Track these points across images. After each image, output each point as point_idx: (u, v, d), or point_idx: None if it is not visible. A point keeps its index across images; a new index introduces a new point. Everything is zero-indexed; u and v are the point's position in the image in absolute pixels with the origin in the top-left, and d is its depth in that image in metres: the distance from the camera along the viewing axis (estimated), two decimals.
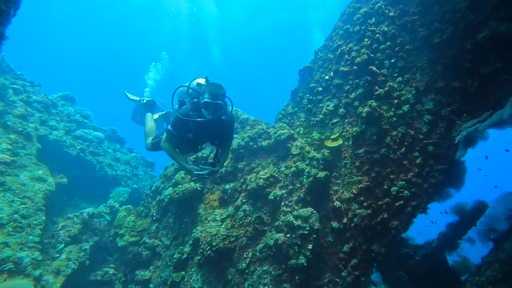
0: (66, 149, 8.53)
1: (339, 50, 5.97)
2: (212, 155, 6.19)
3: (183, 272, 6.23)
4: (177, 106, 4.04)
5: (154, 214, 7.42)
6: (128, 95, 6.53)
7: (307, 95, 6.37)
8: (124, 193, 9.03)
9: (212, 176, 4.17)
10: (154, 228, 7.28)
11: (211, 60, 36.64)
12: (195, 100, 3.83)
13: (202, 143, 4.31)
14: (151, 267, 6.93)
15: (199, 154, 6.79)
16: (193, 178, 3.88)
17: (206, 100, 3.52)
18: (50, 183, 7.41)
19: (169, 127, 3.96)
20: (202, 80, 4.13)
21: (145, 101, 6.05)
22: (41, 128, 8.29)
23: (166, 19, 28.48)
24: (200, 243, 5.88)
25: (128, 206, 8.05)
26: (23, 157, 7.46)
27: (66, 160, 8.58)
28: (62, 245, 6.94)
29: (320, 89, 6.18)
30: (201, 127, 3.82)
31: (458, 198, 5.57)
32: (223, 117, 3.78)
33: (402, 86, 5.26)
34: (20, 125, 7.83)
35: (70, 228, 7.21)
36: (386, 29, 5.49)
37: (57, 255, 6.73)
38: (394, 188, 5.09)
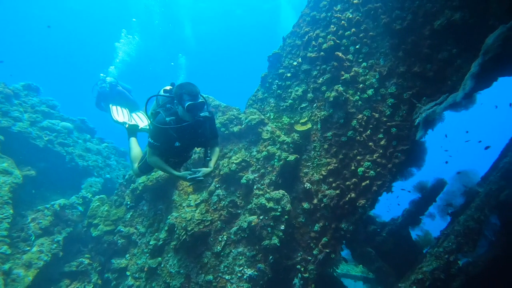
0: (33, 141, 8.26)
1: (306, 37, 6.12)
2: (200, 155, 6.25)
3: (159, 258, 6.33)
4: (151, 117, 3.91)
5: (129, 202, 7.41)
6: (114, 115, 6.33)
7: (277, 81, 6.51)
8: (97, 184, 8.90)
9: (207, 177, 3.90)
10: (129, 216, 7.29)
11: (183, 43, 36.02)
12: (168, 105, 3.78)
13: (190, 149, 4.21)
14: (127, 255, 6.97)
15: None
16: (189, 184, 3.78)
17: (189, 103, 3.44)
18: (17, 176, 7.19)
19: (149, 139, 3.81)
20: (168, 87, 4.10)
21: (127, 126, 5.79)
22: (2, 120, 7.96)
23: None
24: (176, 228, 5.98)
25: (101, 196, 7.98)
26: None
27: (33, 152, 8.32)
28: (33, 237, 6.82)
29: (289, 74, 6.33)
30: (184, 131, 3.73)
31: (419, 177, 5.97)
32: (204, 114, 3.62)
33: (367, 71, 5.50)
34: None
35: (41, 221, 7.07)
36: (351, 16, 5.67)
37: (28, 248, 6.61)
38: (360, 169, 5.37)
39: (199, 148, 5.81)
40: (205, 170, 3.81)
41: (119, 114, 6.35)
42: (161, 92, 4.09)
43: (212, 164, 4.00)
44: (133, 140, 5.46)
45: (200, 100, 3.51)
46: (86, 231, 7.59)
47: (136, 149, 5.28)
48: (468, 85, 4.46)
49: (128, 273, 6.74)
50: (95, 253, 7.33)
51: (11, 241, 6.49)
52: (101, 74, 9.30)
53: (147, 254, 6.54)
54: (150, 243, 6.51)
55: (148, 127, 5.57)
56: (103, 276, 7.00)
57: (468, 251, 5.22)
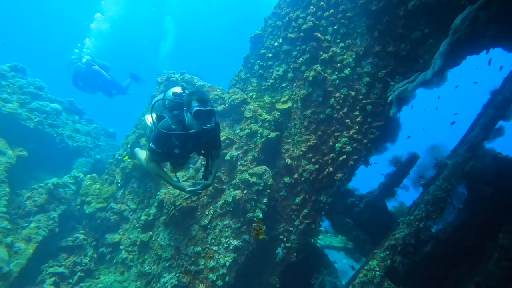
0: (23, 122, 8.34)
1: (287, 18, 6.22)
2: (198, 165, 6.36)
3: (150, 232, 6.66)
4: (155, 120, 3.67)
5: (119, 180, 7.66)
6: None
7: (258, 61, 6.65)
8: (87, 164, 9.09)
9: (205, 189, 3.91)
10: (119, 194, 7.56)
11: (162, 24, 35.58)
12: (175, 112, 3.56)
13: (188, 156, 4.09)
14: (120, 230, 7.29)
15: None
16: (186, 196, 3.77)
17: (197, 108, 3.26)
18: (10, 156, 7.36)
19: (150, 144, 3.60)
20: (178, 89, 3.92)
21: (129, 146, 5.90)
22: None
23: None
24: (165, 204, 6.28)
25: (92, 175, 8.18)
26: None
27: (24, 133, 8.41)
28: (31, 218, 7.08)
29: (270, 55, 6.48)
30: (187, 140, 3.54)
31: (393, 151, 6.32)
32: (211, 126, 3.42)
33: (344, 51, 5.69)
34: None
35: (36, 199, 7.28)
36: None
37: (26, 224, 6.88)
38: (338, 145, 5.66)
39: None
40: (204, 183, 3.68)
41: None
42: (170, 93, 3.91)
43: (212, 178, 3.85)
44: (137, 150, 5.50)
45: (209, 108, 3.32)
46: (79, 208, 7.82)
47: (141, 154, 5.30)
48: (437, 64, 4.70)
49: (121, 247, 7.08)
50: (89, 229, 7.61)
51: (10, 217, 6.74)
52: (75, 50, 9.22)
53: (139, 229, 6.86)
54: (141, 218, 6.82)
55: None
56: (98, 250, 7.32)
57: (436, 218, 5.64)
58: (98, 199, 7.70)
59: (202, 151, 3.89)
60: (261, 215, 5.64)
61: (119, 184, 7.66)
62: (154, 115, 3.79)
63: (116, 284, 6.68)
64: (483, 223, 5.35)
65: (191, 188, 3.62)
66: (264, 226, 4.90)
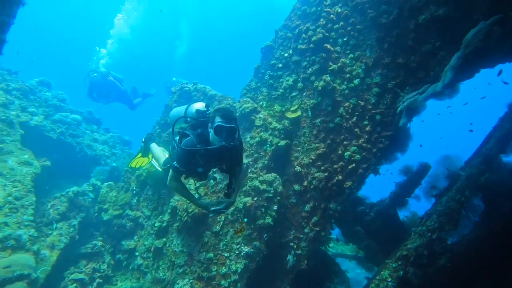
0: (47, 133, 8.75)
1: (297, 30, 6.40)
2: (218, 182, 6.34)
3: (164, 239, 6.80)
4: (177, 138, 3.59)
5: (134, 188, 7.88)
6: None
7: (269, 71, 6.83)
8: (104, 172, 9.38)
9: (228, 209, 3.63)
10: (135, 201, 7.77)
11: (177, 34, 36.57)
12: (199, 130, 3.48)
13: (209, 171, 3.92)
14: (135, 237, 7.47)
15: None
16: (210, 215, 3.69)
17: (218, 123, 3.14)
18: (36, 166, 7.72)
19: (174, 163, 3.46)
20: (200, 105, 3.86)
21: (143, 140, 5.85)
22: (22, 115, 8.49)
23: None
24: (178, 211, 6.42)
25: (109, 182, 8.44)
26: (9, 144, 7.73)
27: (48, 143, 8.81)
28: (55, 225, 7.38)
29: (280, 65, 6.65)
30: (210, 157, 3.43)
31: (404, 161, 6.30)
32: (234, 143, 3.32)
33: (354, 62, 5.79)
34: (2, 113, 8.06)
35: (59, 207, 7.58)
36: (339, 10, 5.94)
37: (50, 231, 7.17)
38: (347, 153, 5.71)
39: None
40: (228, 202, 3.51)
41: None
42: (193, 110, 3.84)
43: (235, 196, 3.68)
44: (153, 145, 5.45)
45: (231, 125, 3.17)
46: (97, 216, 8.06)
47: (157, 149, 5.32)
48: (447, 77, 4.73)
49: (137, 253, 7.25)
50: (107, 236, 7.82)
51: (36, 225, 7.04)
52: (97, 48, 9.63)
53: (153, 235, 7.01)
54: (155, 225, 6.99)
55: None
56: (115, 256, 7.51)
57: (450, 230, 5.57)
58: (115, 206, 7.93)
59: (224, 167, 3.73)
60: (271, 222, 5.71)
61: (134, 192, 7.88)
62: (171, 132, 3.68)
63: None
64: (502, 240, 5.23)
65: (215, 208, 3.43)
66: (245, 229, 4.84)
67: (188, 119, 3.77)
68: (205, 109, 3.79)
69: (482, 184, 5.28)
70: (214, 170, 4.37)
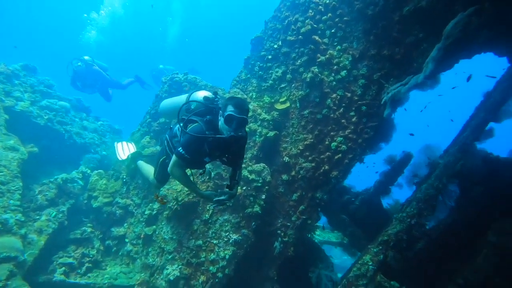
0: (34, 120, 8.61)
1: (286, 21, 6.42)
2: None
3: (154, 226, 6.91)
4: (182, 124, 3.42)
5: (124, 176, 7.91)
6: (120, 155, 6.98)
7: (258, 63, 6.86)
8: (94, 160, 9.32)
9: (231, 200, 3.56)
10: (125, 189, 7.82)
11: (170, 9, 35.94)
12: (208, 117, 3.34)
13: (211, 161, 3.78)
14: (125, 224, 7.55)
15: None
16: (213, 206, 3.53)
17: (230, 113, 3.06)
18: (23, 152, 7.63)
19: (180, 149, 3.29)
20: (205, 93, 3.72)
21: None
22: (6, 100, 8.29)
23: None
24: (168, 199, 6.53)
25: (99, 170, 8.44)
26: None
27: (35, 130, 8.69)
28: (54, 213, 7.36)
29: (270, 57, 6.68)
30: (217, 147, 3.31)
31: (388, 151, 6.50)
32: (242, 134, 3.25)
33: (341, 53, 5.87)
34: None
35: (47, 193, 7.55)
36: (327, 1, 5.96)
37: (38, 217, 7.17)
38: (333, 144, 5.85)
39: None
40: (231, 193, 3.44)
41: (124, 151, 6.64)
42: (197, 96, 3.73)
43: (237, 187, 3.64)
44: (140, 163, 5.46)
45: (243, 116, 3.10)
46: (86, 203, 8.06)
47: (144, 166, 5.27)
48: (429, 68, 4.86)
49: (127, 240, 7.34)
50: (96, 222, 7.86)
51: (23, 210, 7.03)
52: (85, 15, 9.35)
53: (143, 223, 7.11)
54: (145, 213, 7.08)
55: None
56: (105, 242, 7.58)
57: (428, 215, 5.82)
58: (105, 194, 7.96)
59: (226, 160, 3.65)
60: (260, 211, 5.86)
61: (124, 180, 7.92)
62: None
63: (121, 275, 6.95)
64: (473, 221, 5.50)
65: (218, 198, 3.36)
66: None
67: (195, 104, 3.64)
68: (214, 96, 3.66)
69: (458, 171, 5.51)
70: (214, 162, 4.47)
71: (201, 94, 3.73)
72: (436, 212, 5.90)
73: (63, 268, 6.79)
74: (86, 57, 9.02)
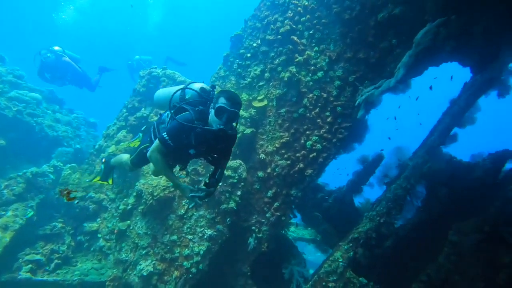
0: (1, 111, 8.36)
1: (266, 20, 6.57)
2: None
3: (128, 221, 6.91)
4: (172, 111, 3.32)
5: (99, 171, 7.85)
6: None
7: (237, 60, 6.98)
8: (67, 153, 9.17)
9: (207, 198, 3.42)
10: (99, 183, 7.76)
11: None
12: (200, 107, 3.26)
13: (194, 158, 3.63)
14: (98, 219, 7.50)
15: None
16: (187, 201, 3.40)
17: (221, 105, 2.99)
18: None
19: (164, 135, 3.16)
20: (202, 85, 3.63)
21: (103, 161, 5.39)
22: None
23: None
24: (143, 194, 6.53)
25: (72, 164, 8.32)
26: None
27: (2, 122, 8.45)
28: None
29: (248, 55, 6.81)
30: (204, 140, 3.17)
31: (361, 151, 6.80)
32: (231, 132, 3.17)
33: (318, 55, 6.08)
34: None
35: (14, 187, 7.37)
36: (306, 3, 6.16)
37: (3, 212, 6.99)
38: (309, 142, 6.06)
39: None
40: (208, 191, 3.28)
41: None
42: (194, 87, 3.59)
43: (215, 186, 3.45)
44: (113, 158, 5.09)
45: (234, 110, 3.04)
46: (58, 197, 7.96)
47: (118, 157, 4.92)
48: (400, 73, 5.13)
49: (99, 235, 7.30)
50: (68, 217, 7.74)
51: None
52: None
53: (117, 218, 7.09)
54: (120, 207, 7.06)
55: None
56: (76, 238, 7.49)
57: (396, 214, 6.14)
58: (78, 188, 7.87)
59: (210, 158, 3.51)
60: (235, 207, 6.00)
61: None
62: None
63: (93, 271, 6.91)
64: (437, 221, 5.86)
65: (194, 194, 3.22)
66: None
67: (190, 94, 3.51)
68: (211, 89, 3.59)
69: (425, 173, 5.85)
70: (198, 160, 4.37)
71: (198, 85, 3.64)
72: (404, 212, 6.23)
73: (30, 265, 6.65)
74: (56, 48, 8.72)
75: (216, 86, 6.86)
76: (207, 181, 3.41)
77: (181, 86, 3.67)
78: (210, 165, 3.61)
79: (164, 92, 4.03)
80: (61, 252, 7.13)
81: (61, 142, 9.62)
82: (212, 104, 3.17)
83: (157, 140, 3.23)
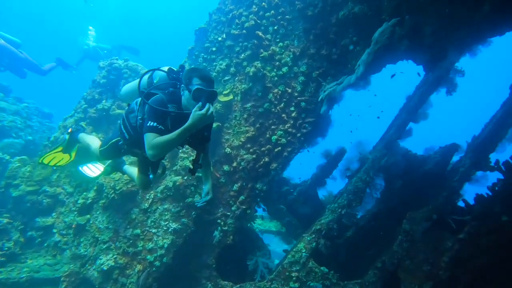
0: None
1: (230, 14, 6.75)
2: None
3: (88, 215, 6.89)
4: (143, 96, 3.19)
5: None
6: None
7: (202, 54, 7.12)
8: (16, 145, 8.78)
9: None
10: (55, 177, 7.63)
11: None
12: (171, 89, 3.16)
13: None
14: (54, 214, 7.38)
15: None
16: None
17: (198, 87, 2.88)
18: None
19: (150, 123, 2.93)
20: (167, 68, 3.50)
21: (69, 131, 5.15)
22: None
23: None
24: (104, 188, 6.56)
25: (22, 157, 8.06)
26: None
27: None
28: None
29: (214, 49, 6.98)
30: (180, 124, 2.91)
31: (324, 145, 7.26)
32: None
33: (283, 50, 6.38)
34: None
35: None
36: None
37: None
38: (274, 137, 6.36)
39: None
40: (210, 196, 3.57)
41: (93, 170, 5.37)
42: (160, 71, 3.48)
43: (210, 182, 3.68)
44: (82, 135, 4.80)
45: (212, 89, 2.97)
46: (3, 192, 7.66)
47: (89, 137, 4.67)
48: (360, 70, 5.54)
49: (54, 230, 7.18)
50: (16, 212, 7.46)
51: None
52: None
53: (75, 212, 7.04)
54: (78, 201, 7.02)
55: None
56: (26, 234, 7.29)
57: (356, 206, 6.65)
58: (29, 182, 7.66)
59: (190, 140, 3.40)
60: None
61: (54, 168, 7.71)
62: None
63: (45, 267, 6.78)
64: (394, 211, 6.44)
65: (204, 199, 3.53)
66: None
67: (158, 78, 3.41)
68: (180, 69, 3.44)
69: (383, 166, 6.39)
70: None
71: (165, 68, 3.50)
72: (364, 203, 6.77)
73: None
74: None
75: (186, 65, 7.01)
76: (191, 167, 3.44)
77: (147, 71, 3.58)
78: (193, 148, 3.59)
79: (131, 84, 3.94)
80: (5, 249, 6.87)
81: (9, 133, 9.19)
82: (183, 85, 3.05)
83: (146, 134, 2.94)
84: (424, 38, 5.05)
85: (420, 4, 4.68)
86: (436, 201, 5.66)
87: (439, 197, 5.69)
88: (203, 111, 2.81)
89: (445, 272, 4.92)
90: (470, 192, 5.49)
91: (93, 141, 4.50)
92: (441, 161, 6.20)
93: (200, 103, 2.85)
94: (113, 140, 3.92)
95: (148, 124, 2.94)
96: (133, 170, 4.29)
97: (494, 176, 5.01)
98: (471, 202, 5.25)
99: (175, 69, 3.46)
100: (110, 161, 4.76)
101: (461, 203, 5.62)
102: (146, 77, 3.47)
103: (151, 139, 2.88)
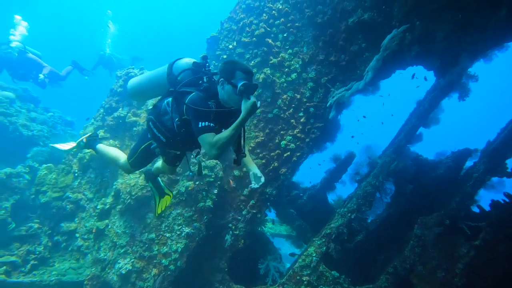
0: None
1: (241, 23, 6.62)
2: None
3: (106, 220, 6.82)
4: (170, 99, 3.06)
5: (76, 170, 7.69)
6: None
7: (214, 62, 6.98)
8: (43, 153, 8.88)
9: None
10: (76, 183, 7.61)
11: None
12: (205, 85, 2.92)
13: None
14: (76, 219, 7.36)
15: None
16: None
17: (245, 82, 2.66)
18: None
19: (202, 124, 2.67)
20: (188, 60, 3.23)
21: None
22: None
23: None
24: (121, 193, 6.47)
25: (48, 164, 8.09)
26: None
27: None
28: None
29: (224, 56, 6.82)
30: (221, 120, 2.87)
31: (333, 150, 7.00)
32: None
33: (292, 57, 6.19)
34: None
35: None
36: (280, 6, 6.24)
37: None
38: (283, 142, 6.17)
39: None
40: (263, 177, 3.45)
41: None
42: (183, 63, 3.20)
43: (258, 170, 3.53)
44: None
45: (256, 83, 2.79)
46: (34, 198, 7.70)
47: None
48: (368, 76, 5.29)
49: (77, 235, 7.16)
50: (44, 218, 7.55)
51: None
52: None
53: (95, 217, 6.99)
54: (98, 207, 6.97)
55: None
56: (53, 238, 7.32)
57: (366, 210, 6.34)
58: (54, 189, 7.69)
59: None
60: (211, 205, 6.05)
61: (76, 174, 7.70)
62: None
63: (70, 271, 6.80)
64: (404, 216, 6.11)
65: (261, 182, 3.42)
66: None
67: (182, 74, 3.08)
68: (204, 61, 3.18)
69: (392, 171, 6.07)
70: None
71: (186, 61, 3.21)
72: (374, 208, 6.46)
73: (4, 267, 6.43)
74: (15, 44, 8.24)
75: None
76: (235, 158, 3.33)
77: (162, 69, 3.30)
78: None
79: (142, 79, 3.52)
80: (37, 253, 6.96)
81: (37, 142, 9.29)
82: (222, 79, 2.80)
83: (202, 136, 2.67)
84: (436, 43, 4.76)
85: (431, 10, 4.39)
86: (448, 206, 5.31)
87: (452, 202, 5.34)
88: (254, 99, 2.64)
89: (461, 279, 4.59)
90: (485, 198, 5.12)
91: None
92: (453, 166, 5.84)
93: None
94: (143, 146, 3.65)
95: (200, 126, 2.68)
96: (111, 151, 4.23)
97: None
98: (487, 208, 4.89)
99: (200, 62, 3.19)
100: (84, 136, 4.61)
101: (475, 209, 5.26)
102: (165, 73, 3.22)
103: (210, 139, 2.64)
